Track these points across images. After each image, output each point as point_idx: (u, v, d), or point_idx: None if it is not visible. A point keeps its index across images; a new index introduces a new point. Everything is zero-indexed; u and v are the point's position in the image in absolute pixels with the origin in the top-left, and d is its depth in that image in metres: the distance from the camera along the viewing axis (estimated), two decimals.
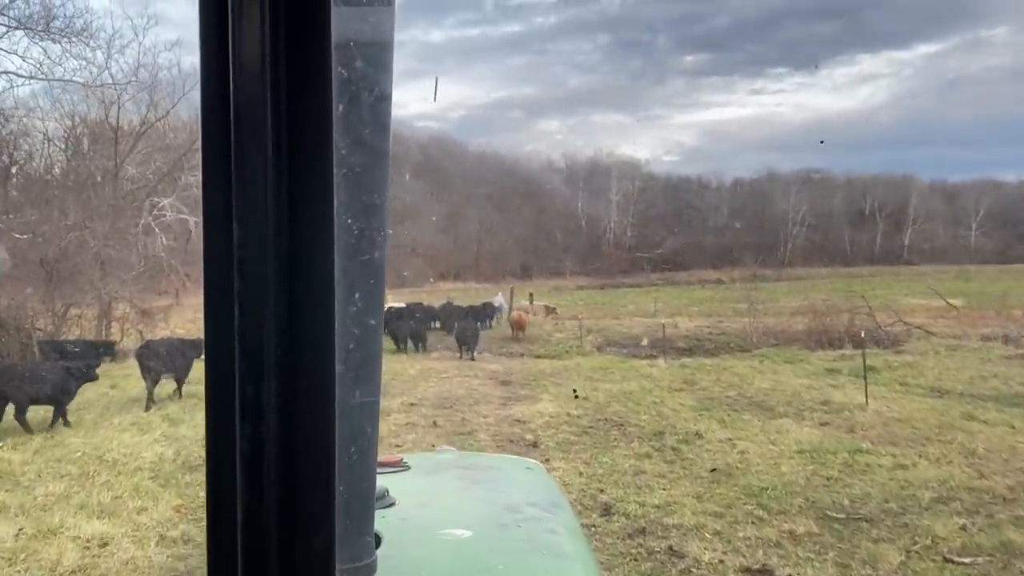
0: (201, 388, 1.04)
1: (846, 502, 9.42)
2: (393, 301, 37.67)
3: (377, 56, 1.15)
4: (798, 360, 21.73)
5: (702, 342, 29.80)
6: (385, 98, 1.17)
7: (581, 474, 10.82)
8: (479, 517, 2.64)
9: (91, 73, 30.83)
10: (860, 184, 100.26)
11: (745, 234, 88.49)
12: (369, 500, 1.39)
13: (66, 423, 14.69)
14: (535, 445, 12.60)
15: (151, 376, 17.42)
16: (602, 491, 10.04)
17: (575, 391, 16.47)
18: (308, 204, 0.91)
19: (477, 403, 16.71)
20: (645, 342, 25.74)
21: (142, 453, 12.36)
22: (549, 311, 38.03)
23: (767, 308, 32.48)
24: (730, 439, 12.83)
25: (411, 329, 30.08)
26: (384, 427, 14.31)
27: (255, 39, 0.87)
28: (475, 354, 26.99)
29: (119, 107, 31.83)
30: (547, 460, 11.54)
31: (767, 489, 9.96)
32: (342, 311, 1.10)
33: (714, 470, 10.92)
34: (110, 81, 31.80)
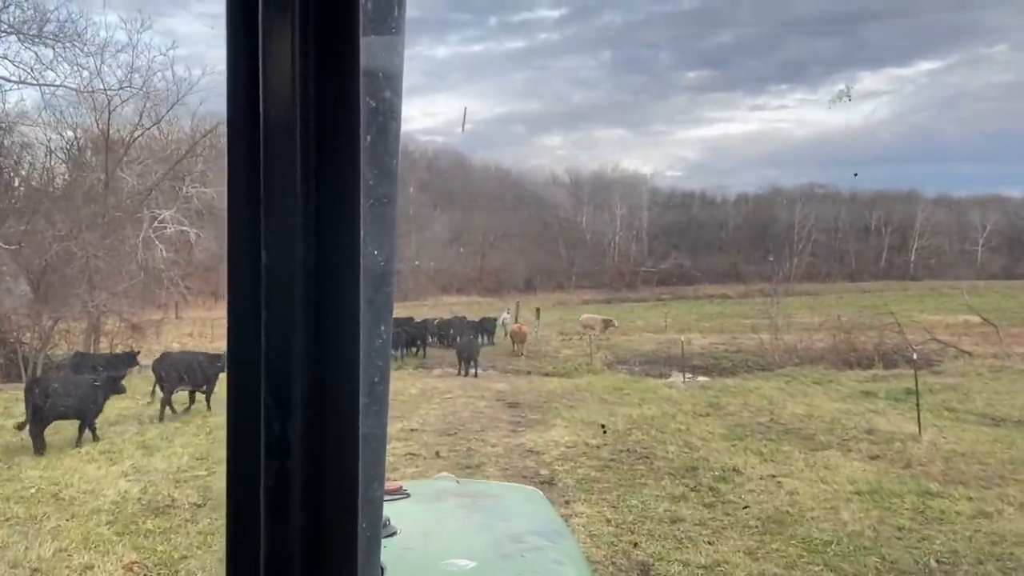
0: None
1: (932, 563, 7.75)
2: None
3: (399, 85, 1.10)
4: (827, 381, 20.03)
5: (719, 360, 28.11)
6: (400, 127, 1.11)
7: (609, 522, 9.15)
8: (482, 547, 2.59)
9: (82, 78, 29.36)
10: (864, 199, 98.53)
11: (750, 249, 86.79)
12: (377, 531, 1.26)
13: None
14: (552, 482, 10.93)
15: (166, 390, 17.22)
16: (636, 545, 8.37)
17: (604, 426, 14.74)
18: (336, 234, 0.90)
19: (484, 429, 15.05)
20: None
21: (104, 490, 10.72)
22: (607, 324, 35.76)
23: (782, 324, 30.66)
24: (773, 476, 11.16)
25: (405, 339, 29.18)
26: None
27: (285, 72, 0.86)
28: (480, 371, 25.37)
29: (109, 113, 30.24)
30: (567, 502, 9.89)
31: (831, 543, 8.29)
32: (367, 344, 0.98)
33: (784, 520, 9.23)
34: (103, 87, 30.24)
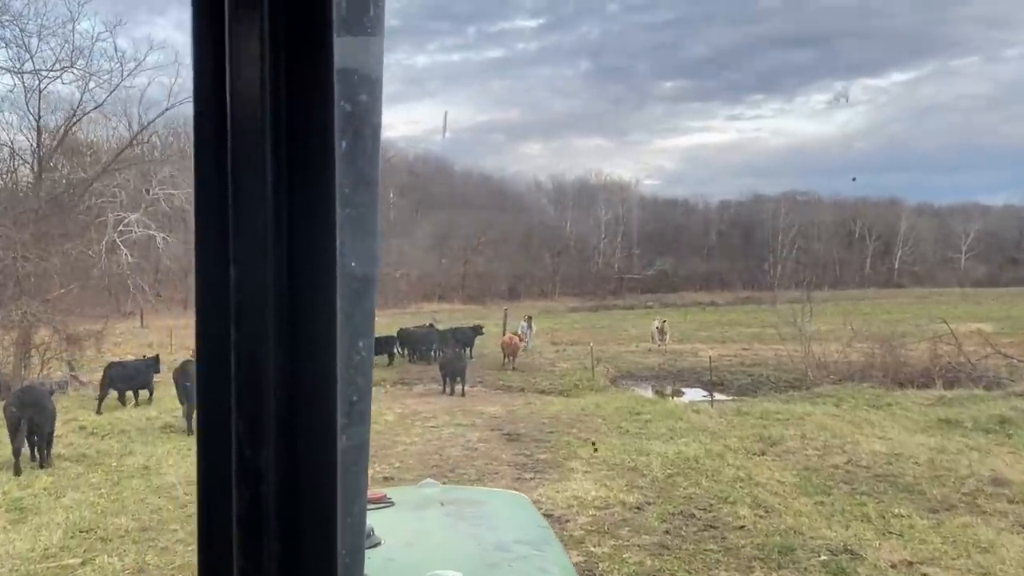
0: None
1: None
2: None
3: (377, 89, 0.99)
4: (885, 404, 16.36)
5: (735, 375, 24.42)
6: (379, 132, 1.00)
7: None
8: (468, 556, 2.52)
9: (9, 54, 25.27)
10: (846, 207, 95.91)
11: (735, 256, 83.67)
12: (360, 551, 1.10)
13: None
14: None
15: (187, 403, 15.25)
16: None
17: (594, 444, 10.94)
18: (311, 246, 0.83)
19: (481, 476, 11.23)
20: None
21: None
22: (663, 333, 31.14)
23: (792, 333, 26.76)
24: (910, 563, 7.46)
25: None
26: None
27: (253, 73, 0.80)
28: (467, 387, 21.53)
29: (40, 95, 26.16)
30: None
31: None
32: (345, 362, 0.91)
33: None
34: (43, 67, 26.14)
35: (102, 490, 10.56)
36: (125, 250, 39.18)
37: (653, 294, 75.22)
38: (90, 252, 37.48)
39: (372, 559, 2.12)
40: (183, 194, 46.63)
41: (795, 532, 8.36)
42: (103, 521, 9.00)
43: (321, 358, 0.83)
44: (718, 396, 21.04)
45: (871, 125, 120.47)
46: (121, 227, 39.55)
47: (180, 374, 16.18)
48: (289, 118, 0.80)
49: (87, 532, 8.67)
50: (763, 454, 12.18)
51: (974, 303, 55.23)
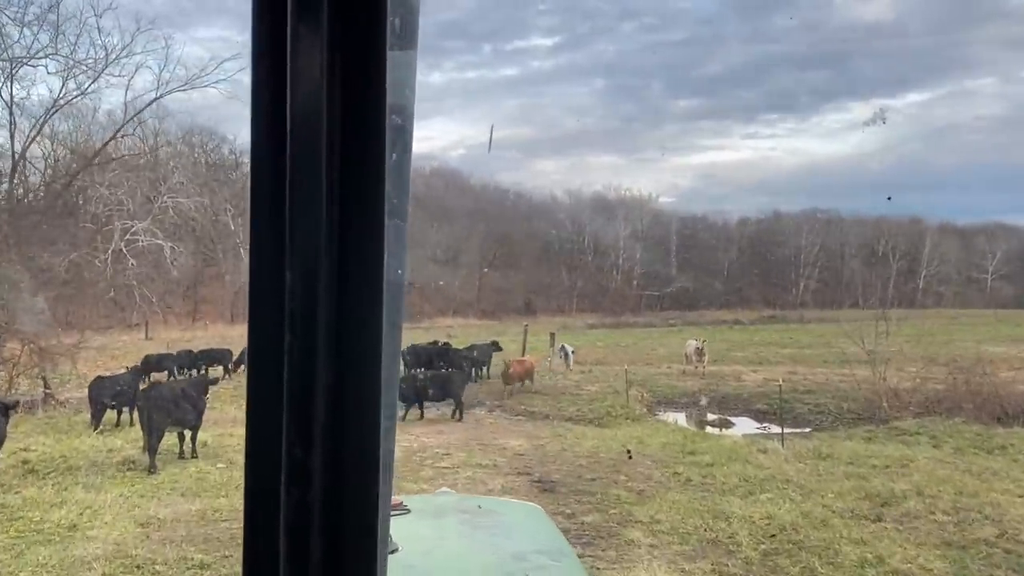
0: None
1: None
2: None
3: (413, 102, 1.01)
4: (997, 446, 13.19)
5: (788, 403, 21.22)
6: (411, 144, 1.02)
7: None
8: (486, 566, 2.47)
9: None
10: (867, 226, 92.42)
11: (756, 274, 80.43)
12: (384, 553, 1.05)
13: None
14: None
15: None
16: None
17: (629, 451, 7.88)
18: (361, 256, 0.84)
19: None
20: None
21: None
22: (700, 354, 27.34)
23: (855, 355, 23.48)
24: None
25: None
26: None
27: (314, 86, 0.81)
28: (483, 412, 18.58)
29: (12, 79, 23.65)
30: None
31: None
32: (388, 367, 0.90)
33: None
34: (24, 54, 23.67)
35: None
36: (132, 259, 36.62)
37: (673, 311, 72.00)
38: (96, 262, 34.92)
39: (390, 566, 1.57)
40: (192, 203, 43.70)
41: None
42: None
43: (367, 366, 0.82)
44: (776, 429, 17.92)
45: (886, 145, 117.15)
46: (128, 236, 37.04)
47: (144, 398, 13.36)
48: (344, 129, 0.80)
49: None
50: (879, 520, 9.10)
51: (1013, 325, 51.69)
